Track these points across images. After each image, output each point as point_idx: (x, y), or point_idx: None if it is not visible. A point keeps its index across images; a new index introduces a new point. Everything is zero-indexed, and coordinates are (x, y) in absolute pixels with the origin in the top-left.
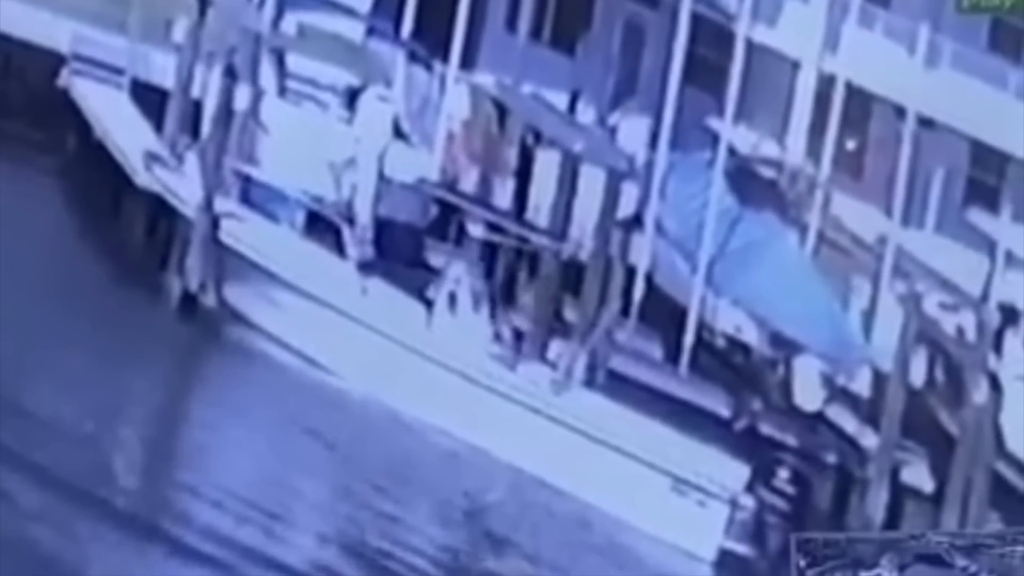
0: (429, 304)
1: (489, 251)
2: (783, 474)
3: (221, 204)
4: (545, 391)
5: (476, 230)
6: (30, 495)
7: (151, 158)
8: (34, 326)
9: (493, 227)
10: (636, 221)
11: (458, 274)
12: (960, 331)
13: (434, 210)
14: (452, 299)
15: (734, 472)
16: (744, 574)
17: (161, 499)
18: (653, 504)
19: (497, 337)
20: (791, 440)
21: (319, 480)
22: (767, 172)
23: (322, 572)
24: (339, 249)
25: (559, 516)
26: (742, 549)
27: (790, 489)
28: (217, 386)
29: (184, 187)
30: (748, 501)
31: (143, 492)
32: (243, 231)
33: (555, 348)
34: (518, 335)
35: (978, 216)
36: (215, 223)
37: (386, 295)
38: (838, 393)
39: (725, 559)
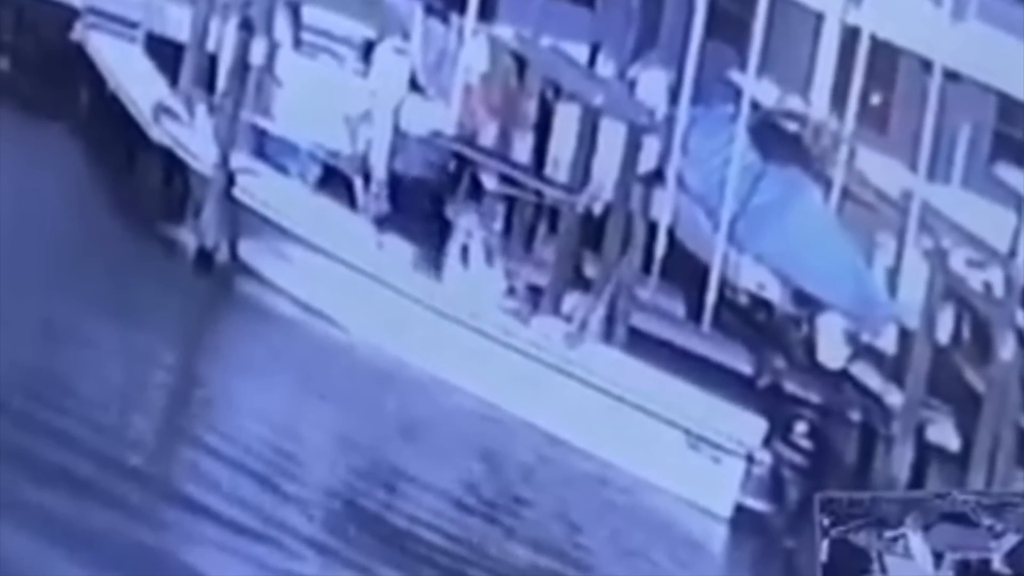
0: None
1: (508, 205)
2: (800, 428)
3: (235, 159)
4: (559, 345)
5: (491, 184)
6: (47, 453)
7: (160, 110)
8: (49, 281)
9: (510, 181)
10: (657, 176)
11: (470, 227)
12: (987, 287)
13: (452, 164)
14: (464, 252)
15: (750, 427)
16: (761, 530)
17: (175, 456)
18: (668, 460)
19: (511, 291)
20: (815, 398)
21: (330, 435)
22: (791, 127)
23: (332, 527)
24: (354, 204)
25: (573, 472)
26: (759, 505)
27: (807, 443)
28: (231, 341)
29: (195, 141)
30: (764, 456)
31: (157, 449)
32: (257, 186)
33: (570, 301)
34: (532, 289)
35: (1005, 171)
36: (230, 179)
37: (400, 250)
38: (863, 350)
39: (741, 515)
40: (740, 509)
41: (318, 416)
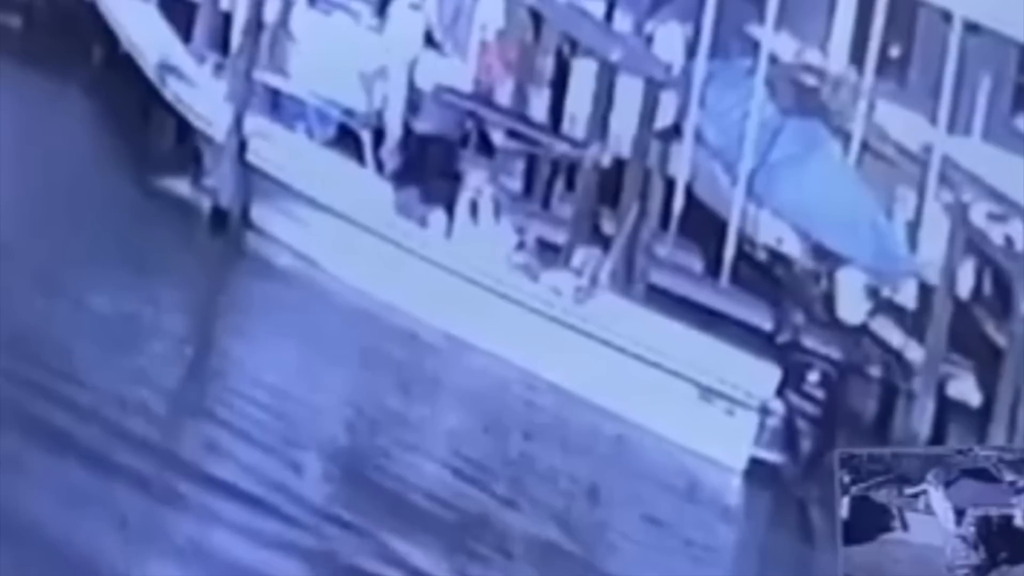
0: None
1: (527, 163)
2: (812, 377)
3: (250, 118)
4: (568, 300)
5: (499, 139)
6: (60, 416)
7: (165, 69)
8: (61, 240)
9: (519, 136)
10: (675, 131)
11: (479, 183)
12: (1008, 241)
13: (468, 122)
14: (474, 208)
15: (763, 378)
16: (775, 481)
17: (185, 424)
18: (680, 413)
19: (520, 245)
20: (834, 353)
21: (341, 394)
22: (809, 80)
23: (338, 486)
24: (369, 161)
25: (585, 428)
26: (773, 456)
27: (820, 393)
28: (245, 301)
29: (201, 101)
30: (778, 407)
31: (167, 414)
32: (271, 146)
33: (580, 255)
34: (542, 243)
35: None
36: (243, 139)
37: (413, 207)
38: (883, 305)
39: (755, 467)
40: (754, 461)
41: (329, 376)
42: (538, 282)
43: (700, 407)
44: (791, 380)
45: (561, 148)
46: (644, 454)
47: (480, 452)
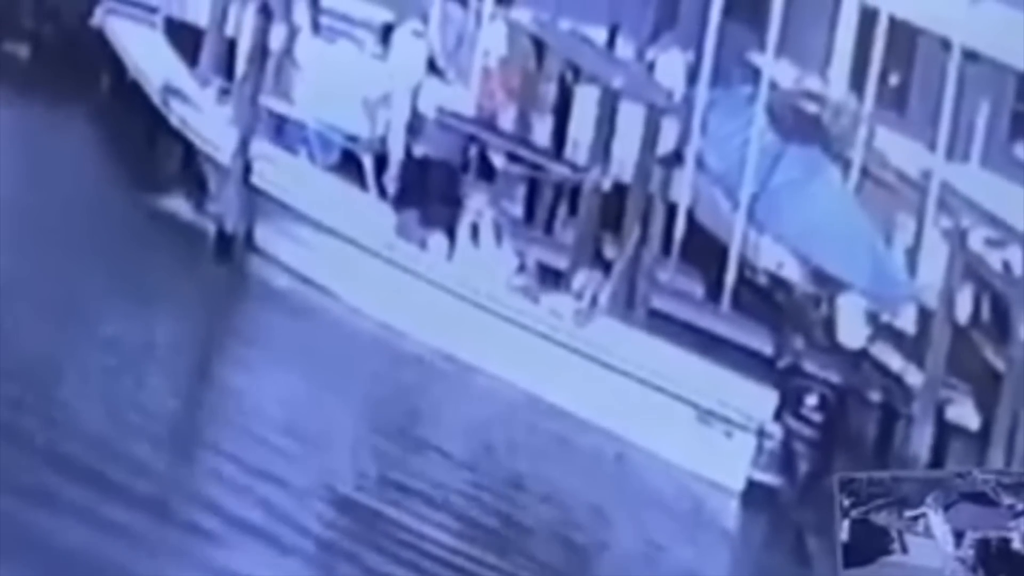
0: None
1: (529, 187)
2: (810, 401)
3: (254, 144)
4: (568, 322)
5: (500, 163)
6: (65, 445)
7: (168, 92)
8: (68, 266)
9: (520, 160)
10: (676, 157)
11: (480, 206)
12: (1006, 266)
13: (471, 147)
14: (475, 231)
15: (760, 401)
16: (772, 504)
17: (189, 453)
18: (678, 436)
19: (521, 268)
20: (834, 378)
21: (344, 418)
22: (810, 107)
23: (346, 511)
24: (372, 186)
25: (583, 449)
26: (770, 479)
27: (817, 416)
28: (249, 325)
29: (206, 125)
30: (775, 430)
31: (169, 441)
32: (275, 171)
33: (580, 279)
34: (543, 267)
35: None
36: (250, 165)
37: (415, 231)
38: (882, 330)
39: (753, 490)
40: (752, 484)
41: (333, 400)
42: (538, 304)
43: (698, 429)
44: (789, 403)
45: (562, 171)
46: (641, 474)
47: (484, 475)
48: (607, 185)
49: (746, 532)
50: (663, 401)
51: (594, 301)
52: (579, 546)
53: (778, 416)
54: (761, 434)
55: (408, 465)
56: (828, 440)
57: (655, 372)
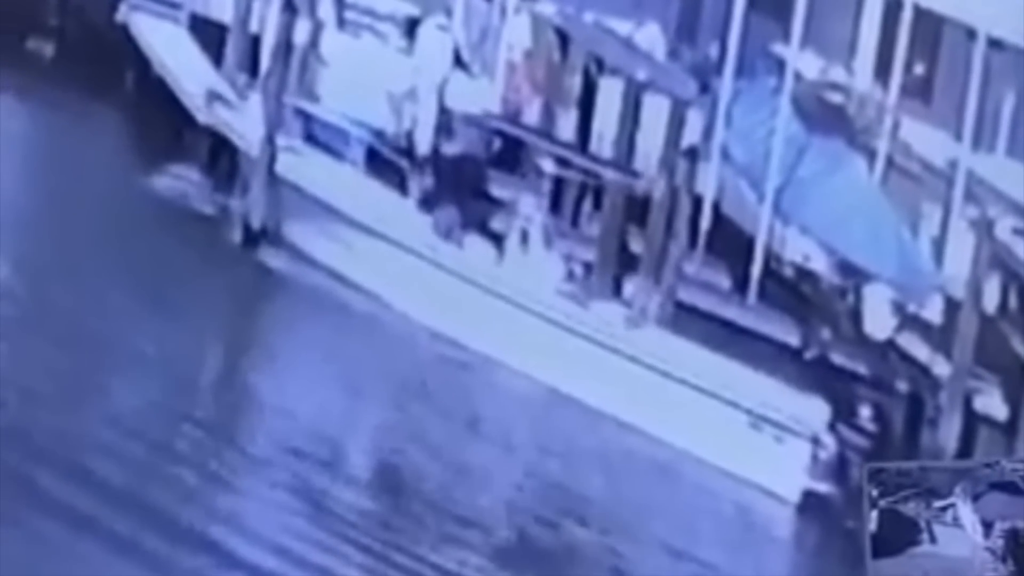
0: (494, 237)
1: (555, 183)
2: (865, 412)
3: (282, 140)
4: (619, 329)
5: (545, 164)
6: (93, 434)
7: (213, 97)
8: (94, 264)
9: (559, 160)
10: (701, 150)
11: (529, 211)
12: None
13: (497, 142)
14: (524, 236)
15: (814, 409)
16: (825, 513)
17: (214, 452)
18: (731, 443)
19: (570, 275)
20: (862, 369)
21: (381, 419)
22: (835, 98)
23: (378, 514)
24: (400, 182)
25: (636, 456)
26: (825, 488)
27: (872, 427)
28: (278, 322)
29: (246, 125)
30: (829, 439)
31: (204, 428)
32: (304, 167)
33: (629, 286)
34: (589, 271)
35: None
36: (276, 160)
37: (454, 232)
38: (909, 321)
39: (807, 499)
40: (807, 493)
41: (368, 399)
42: (588, 310)
43: (751, 436)
44: (842, 413)
45: (609, 174)
46: (695, 481)
47: (533, 480)
48: (659, 193)
49: (800, 541)
50: (715, 407)
51: (644, 310)
52: (629, 552)
53: (832, 426)
54: (814, 441)
55: (443, 467)
56: (880, 448)
57: (704, 378)
